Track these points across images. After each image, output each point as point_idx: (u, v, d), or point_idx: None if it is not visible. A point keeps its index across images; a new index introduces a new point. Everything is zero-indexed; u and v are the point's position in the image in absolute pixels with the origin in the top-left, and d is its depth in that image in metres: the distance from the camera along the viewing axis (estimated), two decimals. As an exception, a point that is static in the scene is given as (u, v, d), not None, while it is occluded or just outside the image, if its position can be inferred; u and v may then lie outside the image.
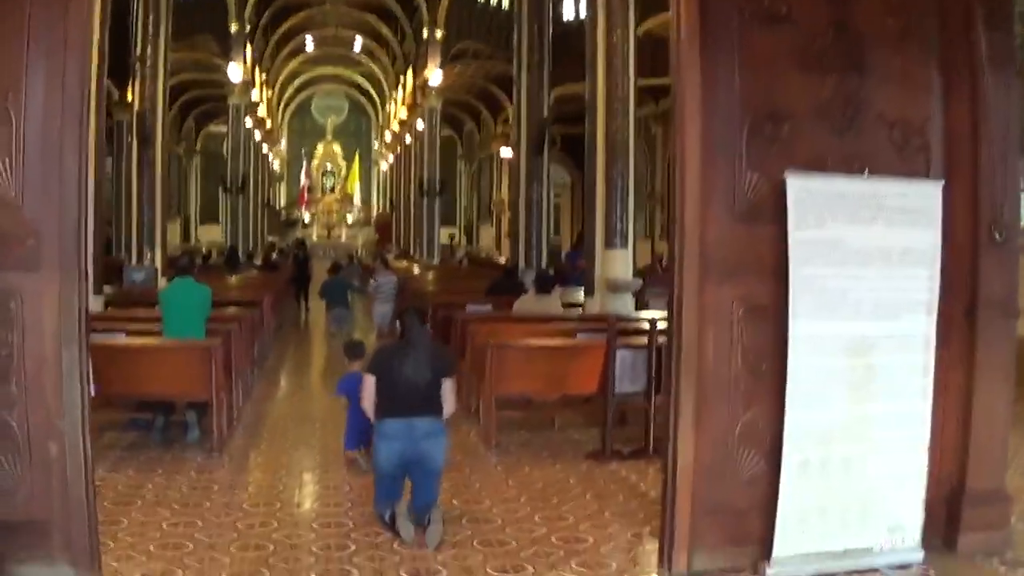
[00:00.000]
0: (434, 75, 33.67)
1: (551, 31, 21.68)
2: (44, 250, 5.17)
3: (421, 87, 35.75)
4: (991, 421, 6.00)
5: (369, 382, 6.51)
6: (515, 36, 22.38)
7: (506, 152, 33.56)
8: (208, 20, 31.61)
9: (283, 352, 17.02)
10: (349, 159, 57.15)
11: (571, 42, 20.34)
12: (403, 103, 42.89)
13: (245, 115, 36.23)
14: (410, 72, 39.91)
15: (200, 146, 48.70)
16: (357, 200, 57.15)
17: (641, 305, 15.23)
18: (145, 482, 7.54)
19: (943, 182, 5.83)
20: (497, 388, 9.11)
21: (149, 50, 19.60)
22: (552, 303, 12.03)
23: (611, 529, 6.56)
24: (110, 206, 22.65)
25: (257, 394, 12.06)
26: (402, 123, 43.42)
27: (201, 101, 40.24)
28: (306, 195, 55.89)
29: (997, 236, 5.92)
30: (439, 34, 33.43)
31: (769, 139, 5.66)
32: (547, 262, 21.55)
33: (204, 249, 36.36)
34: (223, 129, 39.29)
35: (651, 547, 6.09)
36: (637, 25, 15.36)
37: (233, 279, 22.04)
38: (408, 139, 42.11)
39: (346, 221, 55.76)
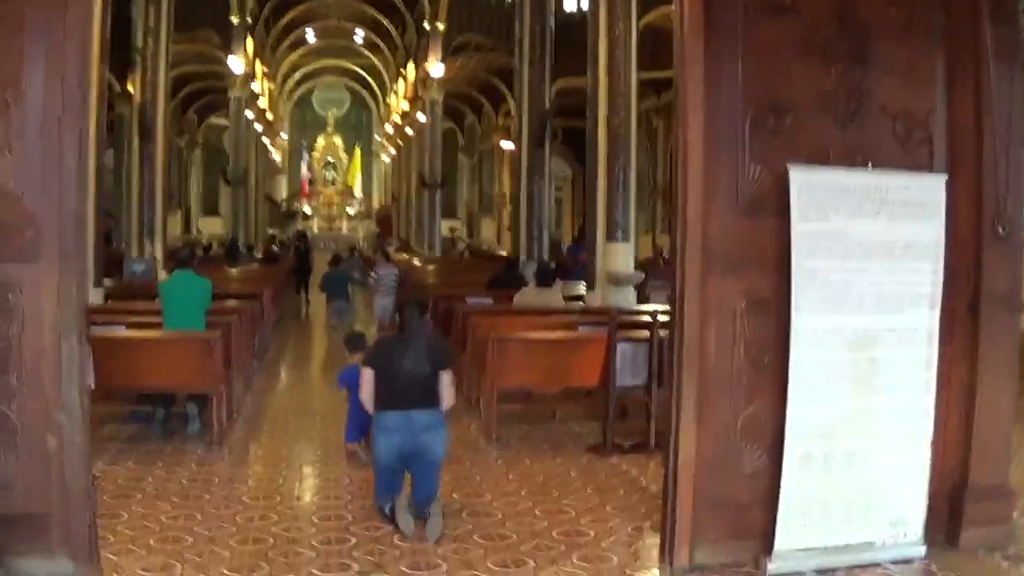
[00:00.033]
0: (435, 67, 33.60)
1: (553, 23, 21.62)
2: (43, 241, 5.14)
3: (422, 79, 35.68)
4: (994, 415, 5.98)
5: (367, 375, 6.51)
6: (517, 28, 22.32)
7: (507, 145, 33.53)
8: (209, 12, 31.54)
9: (283, 345, 17.00)
10: (350, 151, 57.15)
11: (573, 35, 20.28)
12: (404, 95, 42.82)
13: (246, 107, 36.16)
14: (411, 64, 39.85)
15: (201, 138, 48.61)
16: (358, 192, 57.12)
17: (642, 298, 15.22)
18: (145, 475, 7.53)
19: (946, 176, 5.80)
20: (498, 381, 9.09)
21: (150, 42, 19.58)
22: (553, 296, 12.00)
23: (612, 523, 6.54)
24: (110, 198, 22.61)
25: (257, 387, 12.05)
26: (403, 115, 43.36)
27: (202, 93, 40.16)
28: (307, 187, 55.88)
29: (1000, 230, 5.89)
30: (440, 26, 33.33)
31: (772, 131, 5.63)
32: (548, 255, 21.51)
33: (205, 241, 36.34)
34: (224, 121, 39.29)
35: (652, 541, 6.07)
36: (639, 18, 15.32)
37: (233, 271, 22.00)
38: (409, 131, 42.05)
39: (347, 213, 55.76)
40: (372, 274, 18.08)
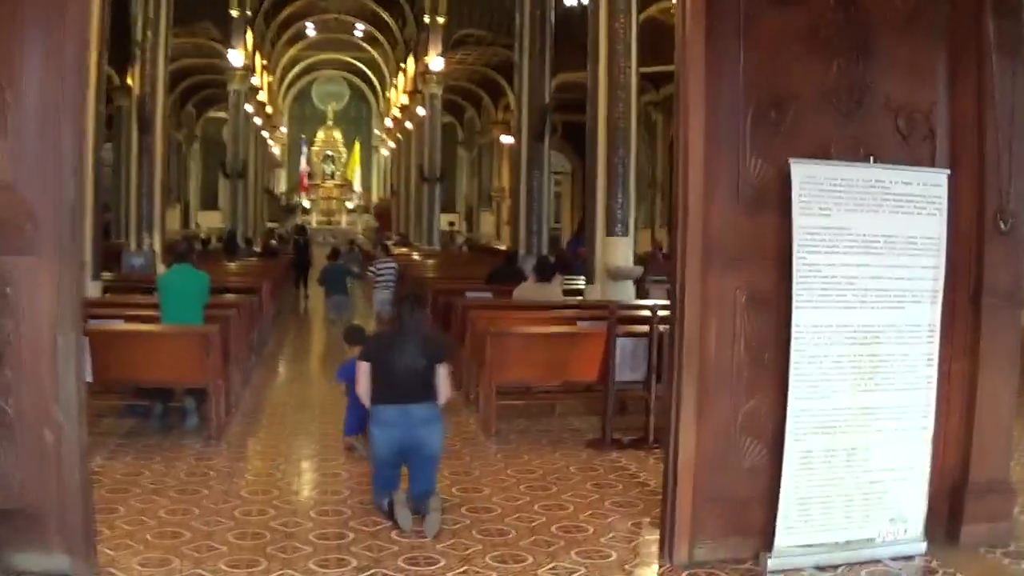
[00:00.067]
0: (435, 61, 33.54)
1: (553, 18, 21.56)
2: (41, 234, 5.11)
3: (422, 73, 35.58)
4: (995, 411, 5.96)
5: (363, 368, 6.50)
6: (517, 22, 22.26)
7: (507, 139, 33.43)
8: (209, 5, 31.49)
9: (282, 339, 16.99)
10: (349, 145, 57.04)
11: (573, 29, 20.20)
12: (404, 89, 42.71)
13: (245, 101, 36.09)
14: (411, 58, 39.76)
15: (200, 132, 48.60)
16: (357, 186, 57.05)
17: (641, 293, 15.19)
18: (143, 469, 7.51)
19: (949, 170, 5.77)
20: (497, 376, 9.07)
21: (149, 35, 19.49)
22: (553, 291, 11.98)
23: (611, 519, 6.52)
24: (109, 191, 22.58)
25: (256, 381, 12.03)
26: (403, 109, 43.25)
27: (201, 87, 40.13)
28: (306, 181, 55.79)
29: (1002, 225, 5.87)
30: (440, 20, 33.26)
31: (774, 125, 5.59)
32: (548, 249, 21.47)
33: (203, 234, 36.31)
34: (223, 115, 39.14)
35: (651, 537, 6.06)
36: (639, 12, 15.28)
37: (232, 265, 21.98)
38: (408, 125, 41.97)
39: (346, 207, 55.70)
40: (371, 268, 18.02)
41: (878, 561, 5.64)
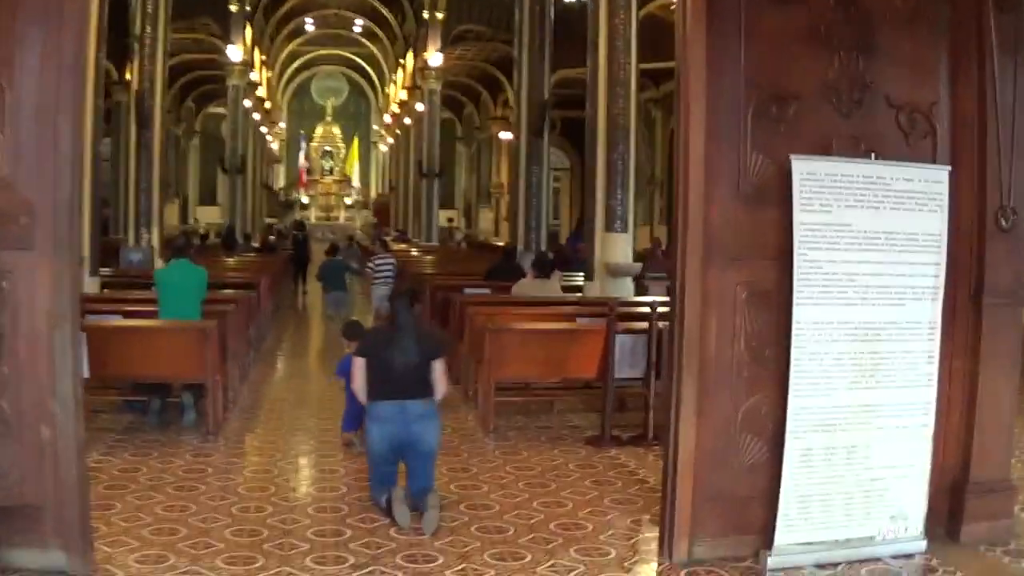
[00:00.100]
0: (434, 57, 33.50)
1: (553, 13, 21.53)
2: (38, 229, 5.08)
3: (421, 69, 35.52)
4: (996, 409, 5.95)
5: (359, 364, 6.50)
6: (516, 18, 22.24)
7: (506, 135, 33.38)
8: (208, 0, 31.43)
9: (280, 335, 16.97)
10: (348, 141, 56.98)
11: (572, 25, 20.19)
12: (403, 85, 42.67)
13: (244, 96, 36.06)
14: (410, 54, 39.71)
15: (199, 127, 48.58)
16: (356, 182, 57.01)
17: (640, 290, 15.18)
18: (140, 465, 7.48)
19: (950, 167, 5.76)
20: (495, 372, 9.04)
21: (148, 30, 19.44)
22: (551, 287, 11.95)
23: (610, 516, 6.50)
24: (107, 187, 22.54)
25: (254, 377, 12.01)
26: (401, 105, 43.20)
27: (200, 82, 40.06)
28: (305, 177, 55.72)
29: (1004, 222, 5.85)
30: (440, 16, 33.21)
31: (775, 121, 5.57)
32: (546, 246, 21.46)
33: (202, 230, 36.27)
34: (222, 110, 39.09)
35: (651, 534, 6.04)
36: (639, 8, 15.26)
37: (230, 260, 21.95)
38: (407, 121, 41.92)
39: (344, 203, 55.67)
40: (369, 264, 17.99)
41: (878, 559, 5.63)
